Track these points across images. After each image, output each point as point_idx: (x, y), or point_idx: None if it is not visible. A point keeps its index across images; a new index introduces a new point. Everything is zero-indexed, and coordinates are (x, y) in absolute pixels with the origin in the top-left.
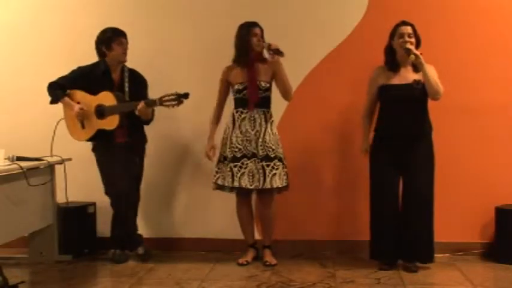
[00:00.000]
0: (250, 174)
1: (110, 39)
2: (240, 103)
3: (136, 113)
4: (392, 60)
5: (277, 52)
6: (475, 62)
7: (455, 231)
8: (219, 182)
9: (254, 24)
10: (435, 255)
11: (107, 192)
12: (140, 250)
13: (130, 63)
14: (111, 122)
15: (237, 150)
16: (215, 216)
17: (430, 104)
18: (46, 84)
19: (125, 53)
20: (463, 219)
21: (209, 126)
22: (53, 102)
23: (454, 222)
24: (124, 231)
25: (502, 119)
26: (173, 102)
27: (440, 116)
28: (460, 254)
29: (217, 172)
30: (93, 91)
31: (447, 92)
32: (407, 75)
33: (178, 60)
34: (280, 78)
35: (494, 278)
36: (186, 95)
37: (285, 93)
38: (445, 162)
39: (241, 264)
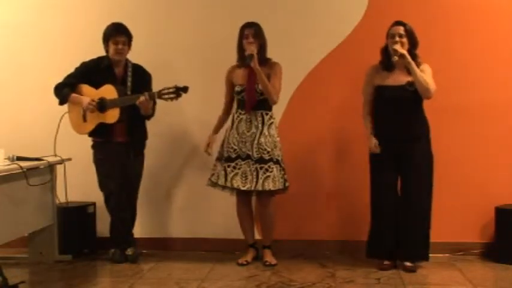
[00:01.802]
0: (244, 175)
1: (107, 37)
2: (239, 104)
3: (137, 103)
4: (387, 60)
5: (248, 57)
6: (474, 62)
7: (455, 231)
8: (213, 179)
9: (246, 25)
10: (435, 255)
11: (101, 190)
12: (129, 251)
13: (132, 58)
14: (111, 116)
15: (232, 150)
16: (215, 216)
17: (431, 104)
18: (47, 84)
19: (119, 53)
20: (463, 219)
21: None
22: (62, 103)
23: (454, 222)
24: (117, 230)
25: (502, 119)
26: (172, 96)
27: (440, 116)
28: (459, 254)
29: (213, 169)
30: (97, 85)
31: (447, 93)
32: (401, 77)
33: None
34: (261, 84)
35: (494, 278)
36: (185, 89)
37: (268, 98)
38: (445, 162)
39: (241, 264)
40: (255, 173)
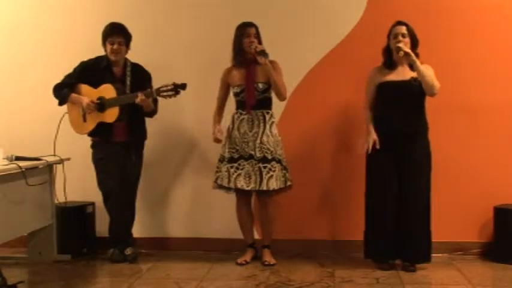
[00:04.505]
0: (247, 175)
1: (104, 37)
2: (238, 105)
3: (137, 101)
4: (390, 60)
5: (261, 53)
6: (473, 62)
7: (454, 230)
8: (218, 181)
9: (247, 25)
10: (434, 254)
11: (100, 189)
12: (128, 251)
13: (132, 58)
14: (110, 115)
15: (234, 151)
16: (215, 215)
17: (430, 103)
18: (46, 83)
19: (115, 53)
20: (461, 219)
21: (212, 119)
22: (61, 103)
23: (453, 222)
24: (116, 229)
25: (501, 118)
26: (170, 93)
27: (439, 115)
28: (458, 253)
29: (216, 172)
30: (96, 85)
31: (446, 92)
32: (405, 73)
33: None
34: (272, 80)
35: (493, 278)
36: (183, 86)
37: (277, 95)
38: (444, 161)
39: (240, 264)
40: (258, 173)
